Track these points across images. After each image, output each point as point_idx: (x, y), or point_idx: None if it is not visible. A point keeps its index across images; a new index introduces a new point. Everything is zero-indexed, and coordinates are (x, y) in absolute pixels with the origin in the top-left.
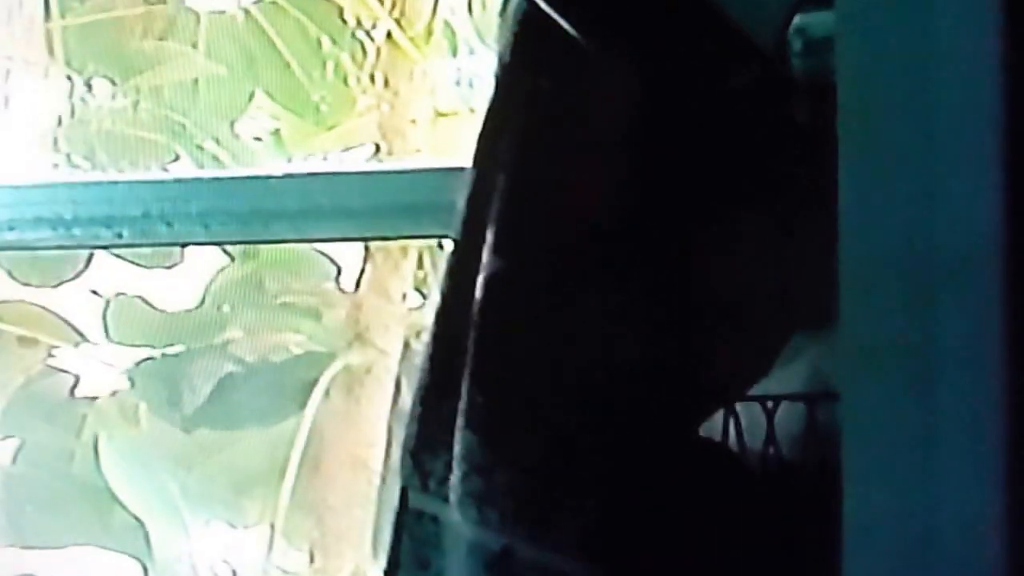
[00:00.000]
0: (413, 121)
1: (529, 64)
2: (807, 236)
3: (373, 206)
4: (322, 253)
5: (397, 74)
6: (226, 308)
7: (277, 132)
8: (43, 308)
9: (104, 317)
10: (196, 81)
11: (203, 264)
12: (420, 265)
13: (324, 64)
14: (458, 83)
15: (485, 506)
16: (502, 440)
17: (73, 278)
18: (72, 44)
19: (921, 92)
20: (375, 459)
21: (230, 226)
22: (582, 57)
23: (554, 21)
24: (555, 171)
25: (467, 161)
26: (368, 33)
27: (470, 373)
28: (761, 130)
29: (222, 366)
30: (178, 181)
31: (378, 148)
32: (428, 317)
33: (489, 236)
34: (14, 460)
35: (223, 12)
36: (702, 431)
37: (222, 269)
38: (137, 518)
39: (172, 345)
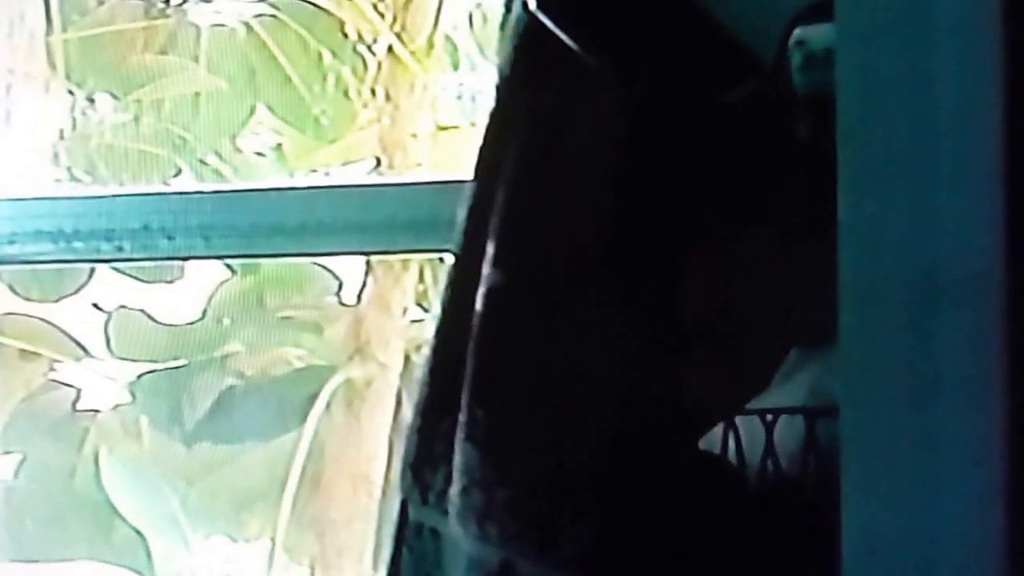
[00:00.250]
0: (414, 135)
1: (530, 78)
2: (807, 251)
3: (374, 220)
4: (323, 267)
5: (398, 88)
6: (227, 322)
7: (279, 146)
8: (44, 322)
9: (105, 331)
10: (197, 95)
11: (204, 278)
12: (421, 279)
13: (325, 78)
14: (459, 97)
15: (485, 520)
16: (502, 454)
17: (74, 292)
18: (73, 58)
19: (921, 107)
20: (376, 473)
21: (231, 240)
22: (582, 71)
23: (554, 35)
24: (555, 185)
25: (468, 175)
26: (369, 47)
27: (470, 387)
28: (761, 145)
29: (223, 380)
30: (179, 195)
31: (379, 162)
32: (429, 331)
33: (489, 249)
34: (16, 475)
35: (224, 26)
36: (701, 445)
37: (223, 283)
38: (138, 532)
39: (173, 359)
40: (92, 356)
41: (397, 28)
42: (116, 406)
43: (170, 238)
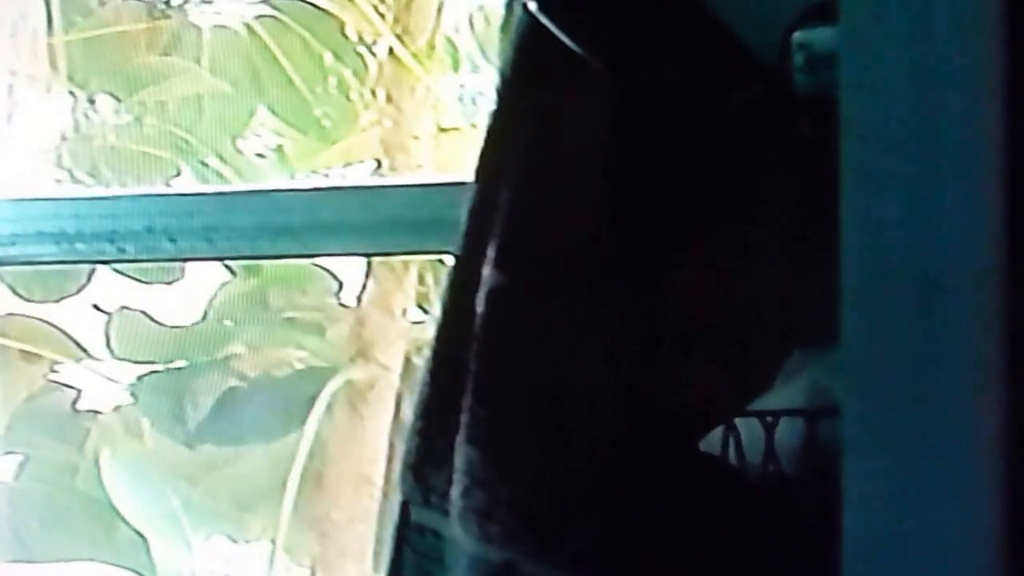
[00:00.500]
0: (415, 137)
1: (531, 79)
2: (808, 252)
3: (375, 222)
4: (324, 268)
5: (399, 90)
6: (228, 323)
7: (280, 148)
8: (46, 323)
9: (107, 332)
10: (200, 96)
11: (206, 279)
12: (422, 280)
13: (326, 80)
14: (460, 99)
15: (487, 521)
16: (504, 454)
17: (76, 293)
18: (75, 59)
19: (923, 107)
20: (377, 474)
21: (233, 241)
22: (584, 72)
23: (556, 36)
24: (556, 186)
25: (469, 176)
26: (370, 49)
27: (472, 387)
28: (763, 146)
29: (224, 381)
30: (181, 196)
31: (380, 163)
32: (430, 332)
33: (491, 251)
34: (17, 475)
35: (226, 27)
36: (702, 446)
37: (224, 284)
38: (139, 532)
39: (175, 360)
40: (93, 357)
41: (398, 30)
42: (118, 407)
43: (172, 239)
